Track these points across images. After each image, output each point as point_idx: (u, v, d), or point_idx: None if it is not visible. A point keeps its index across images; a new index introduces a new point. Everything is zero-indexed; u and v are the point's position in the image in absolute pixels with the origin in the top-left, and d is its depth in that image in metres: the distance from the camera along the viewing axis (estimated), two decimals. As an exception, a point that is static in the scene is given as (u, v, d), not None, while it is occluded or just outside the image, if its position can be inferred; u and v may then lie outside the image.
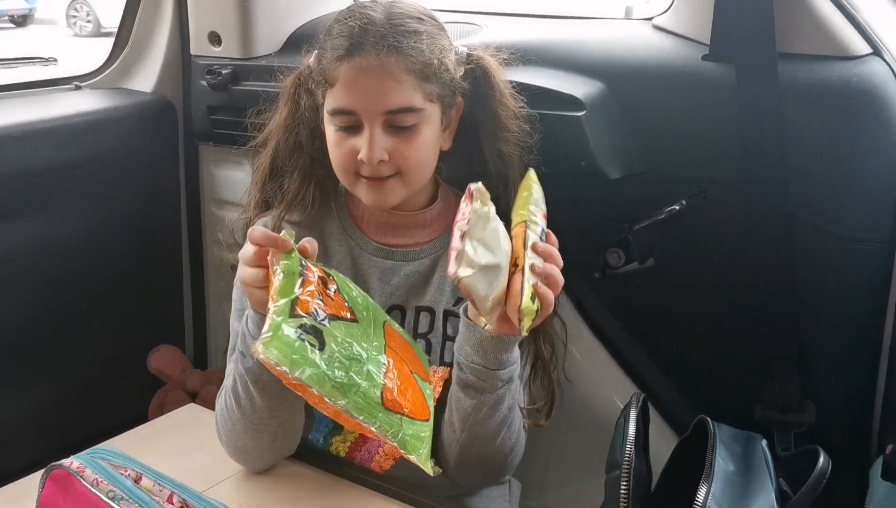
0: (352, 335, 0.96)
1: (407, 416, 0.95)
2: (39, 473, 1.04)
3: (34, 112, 1.64)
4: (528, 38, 1.49)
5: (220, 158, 1.87)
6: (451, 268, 0.96)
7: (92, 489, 0.88)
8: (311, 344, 0.90)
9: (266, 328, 0.90)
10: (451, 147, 1.25)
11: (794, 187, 1.27)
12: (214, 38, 1.77)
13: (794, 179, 1.26)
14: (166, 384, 1.89)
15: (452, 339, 1.20)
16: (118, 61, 1.85)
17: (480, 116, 1.25)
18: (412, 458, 0.94)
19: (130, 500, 0.86)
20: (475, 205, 0.98)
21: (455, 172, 1.31)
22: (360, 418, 0.91)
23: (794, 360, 1.32)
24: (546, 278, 1.02)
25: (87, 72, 1.84)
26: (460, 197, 1.26)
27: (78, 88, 1.80)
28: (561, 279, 1.03)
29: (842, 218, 1.26)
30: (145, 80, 1.84)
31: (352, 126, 1.15)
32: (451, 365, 1.20)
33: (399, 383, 0.98)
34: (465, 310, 1.11)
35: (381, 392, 0.94)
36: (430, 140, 1.18)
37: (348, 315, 0.99)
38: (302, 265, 0.97)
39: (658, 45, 1.43)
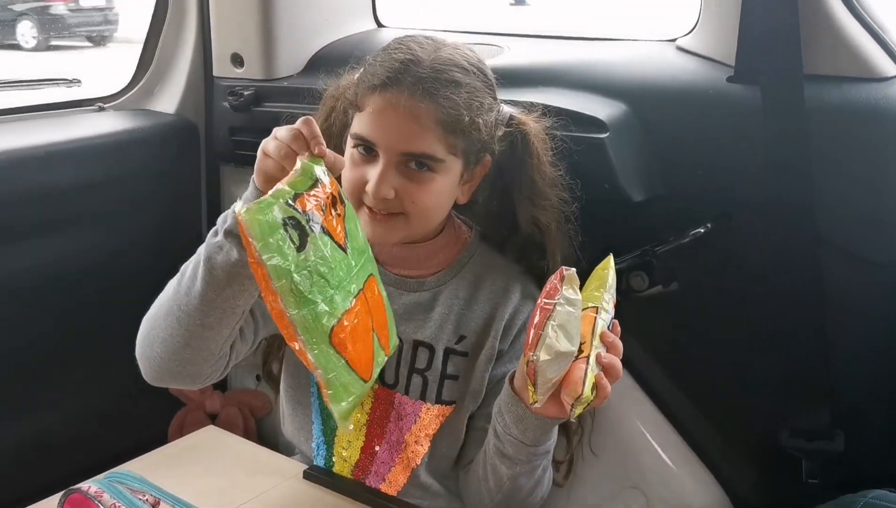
0: (334, 260, 0.91)
1: (347, 363, 0.91)
2: (57, 496, 1.04)
3: (57, 133, 1.65)
4: (551, 60, 1.49)
5: (242, 180, 1.85)
6: (529, 351, 0.96)
7: (109, 514, 0.88)
8: (293, 239, 0.85)
9: (259, 199, 0.86)
10: (472, 201, 1.23)
11: (822, 211, 1.25)
12: (237, 60, 1.77)
13: (821, 202, 1.24)
14: (186, 404, 1.88)
15: (452, 377, 1.21)
16: (141, 83, 1.85)
17: (517, 179, 1.23)
18: (332, 406, 0.90)
19: (148, 526, 0.85)
20: (565, 291, 0.97)
21: (485, 230, 1.30)
22: (303, 337, 0.86)
23: (822, 387, 1.30)
24: (608, 369, 1.00)
25: (110, 93, 1.85)
26: (469, 231, 1.26)
27: (101, 109, 1.81)
28: (620, 371, 1.02)
29: (870, 242, 1.24)
30: (168, 101, 1.84)
31: (370, 152, 1.14)
32: (448, 404, 1.21)
33: (355, 329, 0.93)
34: (512, 379, 1.09)
35: (334, 327, 0.89)
36: (443, 190, 1.15)
37: (341, 242, 0.94)
38: (323, 175, 0.93)
39: (682, 67, 1.41)
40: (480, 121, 1.13)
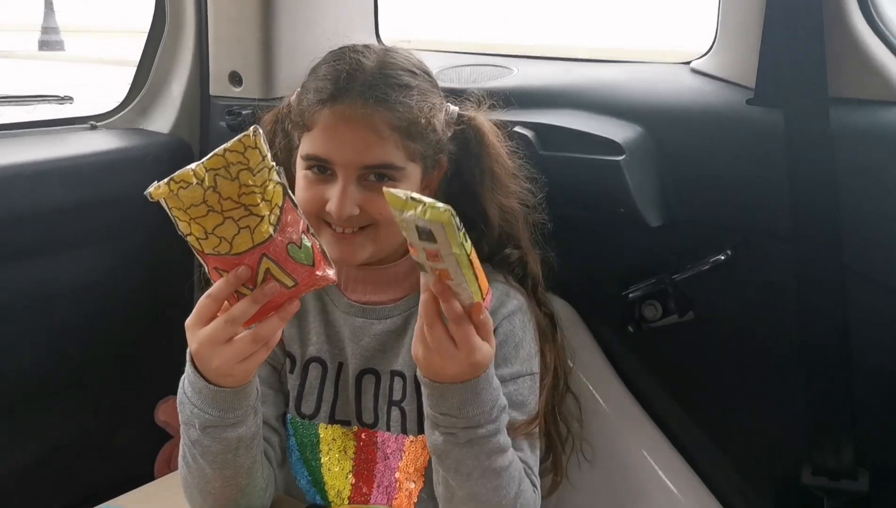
0: None
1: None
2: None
3: (48, 151, 1.59)
4: (562, 81, 1.44)
5: (237, 203, 1.81)
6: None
7: (97, 556, 0.80)
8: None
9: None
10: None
11: (847, 239, 1.20)
12: (235, 79, 1.72)
13: (846, 229, 1.20)
14: (173, 437, 1.80)
15: None
16: (135, 101, 1.80)
17: (476, 174, 1.16)
18: None
19: (140, 570, 0.78)
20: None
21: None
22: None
23: (846, 423, 1.24)
24: None
25: (103, 112, 1.79)
26: None
27: (94, 127, 1.75)
28: None
29: (897, 271, 1.19)
30: (163, 120, 1.79)
31: (324, 172, 1.08)
32: None
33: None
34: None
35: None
36: None
37: None
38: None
39: (698, 89, 1.37)
40: (435, 122, 1.09)
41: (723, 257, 1.28)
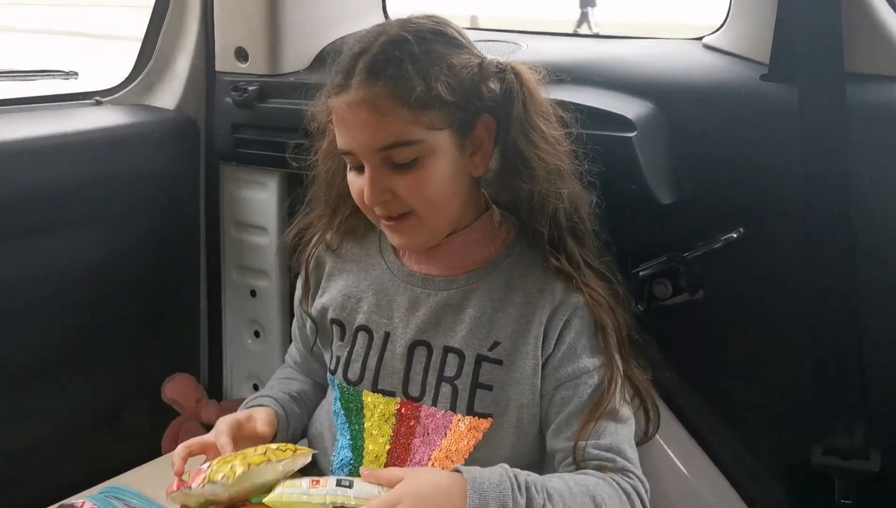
0: None
1: None
2: (48, 510, 0.97)
3: (52, 126, 1.57)
4: (572, 57, 1.42)
5: (243, 179, 1.80)
6: None
7: (105, 532, 0.80)
8: None
9: None
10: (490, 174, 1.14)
11: (860, 217, 1.18)
12: (241, 54, 1.70)
13: (860, 208, 1.18)
14: (180, 414, 1.80)
15: (485, 387, 1.11)
16: (141, 77, 1.78)
17: (520, 129, 1.09)
18: None
19: (148, 547, 0.78)
20: None
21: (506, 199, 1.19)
22: None
23: (858, 402, 1.23)
24: None
25: (108, 87, 1.78)
26: (511, 229, 1.18)
27: (99, 103, 1.73)
28: None
29: (911, 251, 1.18)
30: (168, 96, 1.77)
31: (359, 165, 1.07)
32: (481, 416, 1.10)
33: None
34: None
35: None
36: (440, 172, 1.06)
37: None
38: None
39: (711, 65, 1.35)
40: (446, 83, 1.03)
41: (735, 236, 1.26)
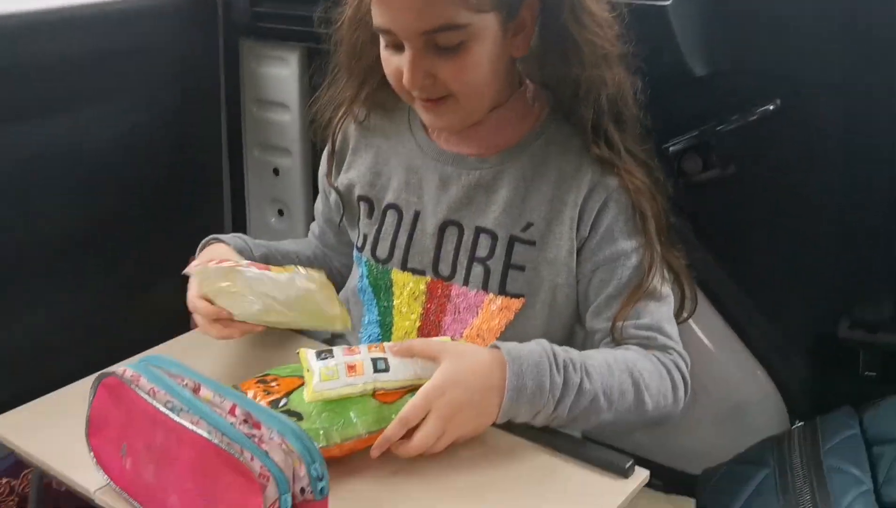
0: None
1: None
2: (87, 380, 0.98)
3: (66, -1, 1.53)
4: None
5: (263, 55, 1.76)
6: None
7: (148, 398, 0.82)
8: None
9: None
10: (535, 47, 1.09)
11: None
12: (258, -80, 1.64)
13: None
14: (207, 291, 1.82)
15: (518, 268, 1.10)
16: (155, -53, 1.72)
17: (571, 11, 1.04)
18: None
19: (191, 411, 0.79)
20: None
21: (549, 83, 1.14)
22: None
23: (888, 276, 1.23)
24: None
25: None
26: (544, 105, 1.15)
27: (116, -27, 1.69)
28: None
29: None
30: (183, -33, 1.72)
31: (397, 44, 1.03)
32: (513, 296, 1.10)
33: None
34: None
35: None
36: (484, 56, 1.02)
37: None
38: None
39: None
40: None
41: (771, 108, 1.23)
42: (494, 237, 1.10)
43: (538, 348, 0.99)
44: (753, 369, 1.37)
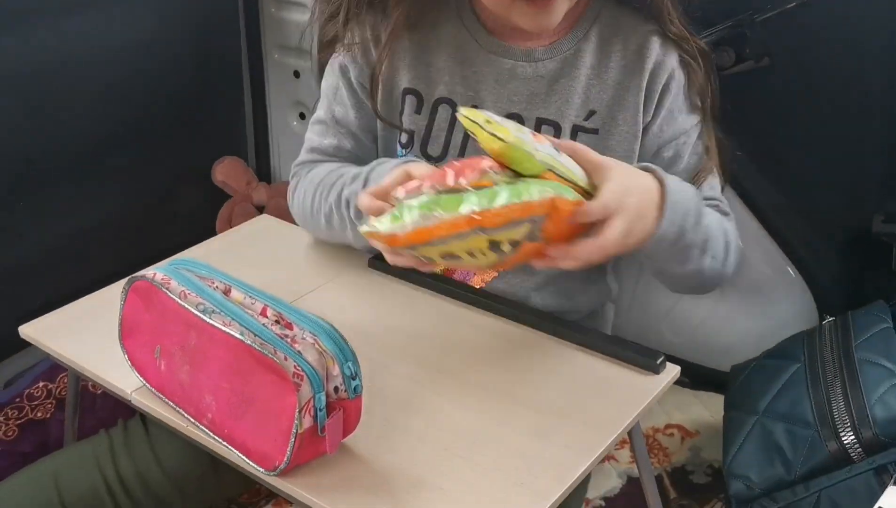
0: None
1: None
2: (117, 285, 0.99)
3: None
4: None
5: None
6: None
7: (179, 301, 0.82)
8: None
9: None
10: None
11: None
12: None
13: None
14: (231, 197, 1.82)
15: None
16: None
17: None
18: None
19: (222, 313, 0.79)
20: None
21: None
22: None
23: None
24: None
25: None
26: None
27: None
28: None
29: None
30: None
31: None
32: None
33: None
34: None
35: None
36: None
37: None
38: None
39: None
40: None
41: (811, -6, 1.18)
42: (557, 128, 1.08)
43: (691, 191, 0.99)
44: (783, 265, 1.36)
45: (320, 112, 1.18)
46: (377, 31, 1.12)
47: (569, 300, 1.14)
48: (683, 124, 1.08)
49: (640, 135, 1.07)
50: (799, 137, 1.30)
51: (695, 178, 1.07)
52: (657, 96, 1.06)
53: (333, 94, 1.17)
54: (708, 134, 1.09)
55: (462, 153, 1.11)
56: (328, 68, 1.18)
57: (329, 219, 1.09)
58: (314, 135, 1.19)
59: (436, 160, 1.11)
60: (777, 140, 1.32)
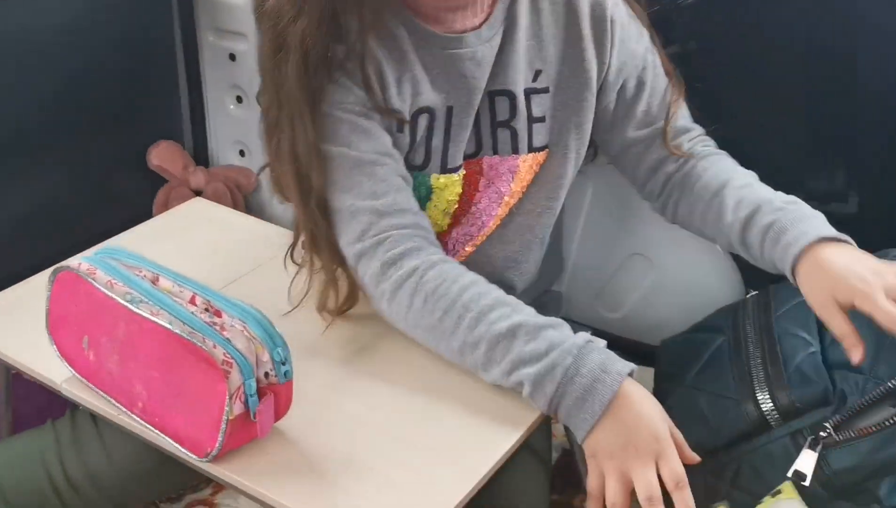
0: None
1: None
2: (45, 273, 0.98)
3: None
4: None
5: None
6: None
7: (106, 291, 0.82)
8: None
9: None
10: None
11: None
12: None
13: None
14: (168, 181, 1.80)
15: (538, 120, 1.09)
16: None
17: None
18: None
19: (150, 302, 0.80)
20: None
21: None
22: None
23: (840, 145, 1.24)
24: None
25: None
26: None
27: None
28: None
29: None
30: None
31: None
32: (539, 150, 1.10)
33: None
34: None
35: None
36: None
37: None
38: None
39: None
40: None
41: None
42: (512, 96, 1.08)
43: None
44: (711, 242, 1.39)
45: (347, 178, 1.01)
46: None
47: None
48: (637, 49, 1.11)
49: (593, 83, 1.09)
50: (727, 118, 1.33)
51: (670, 106, 1.13)
52: (608, 35, 1.08)
53: (348, 145, 1.02)
54: (659, 52, 1.14)
55: (444, 156, 1.08)
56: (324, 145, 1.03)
57: (465, 352, 0.94)
58: (358, 200, 1.00)
59: (419, 169, 1.08)
60: (705, 121, 1.35)
